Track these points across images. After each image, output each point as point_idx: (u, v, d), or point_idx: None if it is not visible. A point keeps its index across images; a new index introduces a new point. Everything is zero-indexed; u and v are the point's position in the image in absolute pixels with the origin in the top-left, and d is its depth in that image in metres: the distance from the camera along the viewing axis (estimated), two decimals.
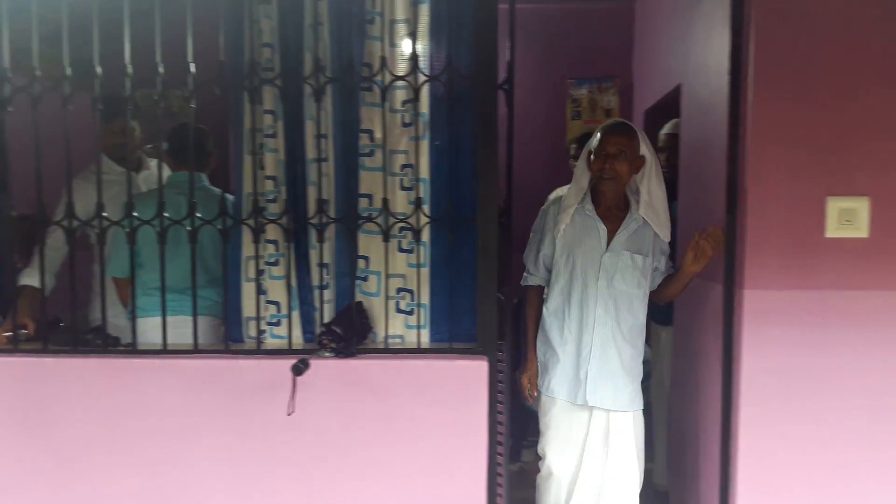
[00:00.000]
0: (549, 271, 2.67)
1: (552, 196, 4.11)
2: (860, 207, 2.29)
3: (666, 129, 3.65)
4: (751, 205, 2.31)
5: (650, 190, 2.53)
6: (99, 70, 2.38)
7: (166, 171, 2.87)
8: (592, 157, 2.55)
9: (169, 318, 2.48)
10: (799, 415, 2.34)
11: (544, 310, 2.66)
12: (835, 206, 2.29)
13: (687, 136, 3.13)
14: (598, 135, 2.55)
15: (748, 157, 2.31)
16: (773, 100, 2.29)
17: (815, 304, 2.32)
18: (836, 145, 2.28)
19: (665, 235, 2.55)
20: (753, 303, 2.33)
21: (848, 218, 2.29)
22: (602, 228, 2.56)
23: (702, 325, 2.76)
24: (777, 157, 2.29)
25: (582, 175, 2.61)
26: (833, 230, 2.30)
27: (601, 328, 2.54)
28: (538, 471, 4.03)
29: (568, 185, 4.06)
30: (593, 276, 2.54)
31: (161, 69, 2.38)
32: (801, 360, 2.33)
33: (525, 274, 2.74)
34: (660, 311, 3.58)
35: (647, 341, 3.93)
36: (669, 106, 3.44)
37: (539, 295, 2.73)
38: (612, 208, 2.58)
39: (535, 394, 2.70)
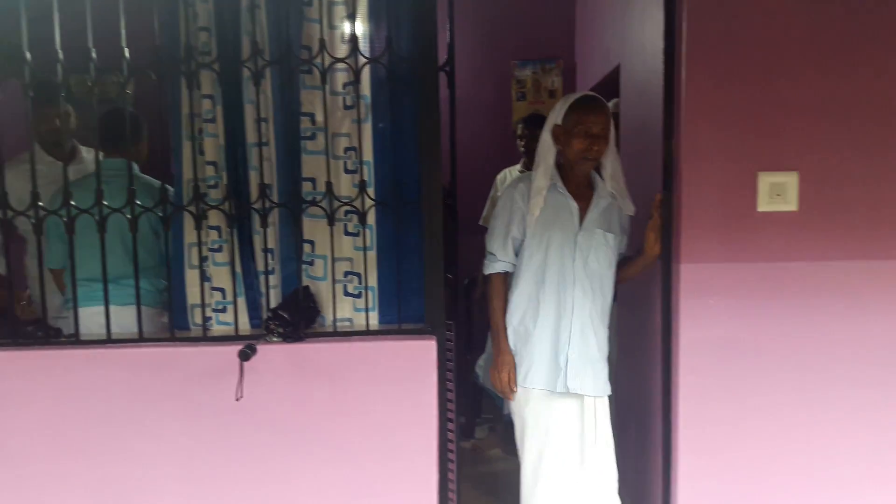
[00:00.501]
0: (516, 255, 2.54)
1: (500, 177, 4.16)
2: (790, 182, 2.37)
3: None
4: (685, 181, 2.38)
5: (612, 163, 2.47)
6: (28, 56, 2.32)
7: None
8: (573, 138, 2.40)
9: (95, 309, 2.46)
10: (735, 382, 2.43)
11: (513, 296, 2.53)
12: (766, 181, 2.37)
13: (626, 115, 3.20)
14: (573, 112, 2.41)
15: (682, 135, 2.37)
16: (705, 79, 2.35)
17: (748, 276, 2.40)
18: (766, 122, 2.36)
19: (628, 209, 2.51)
20: (690, 276, 2.40)
21: (778, 192, 2.37)
22: (574, 206, 2.46)
23: (643, 300, 2.84)
24: (710, 135, 2.36)
25: (549, 152, 2.46)
26: (764, 204, 2.38)
27: (580, 311, 2.46)
28: (491, 448, 4.12)
29: (515, 166, 4.12)
30: (569, 256, 2.45)
31: (94, 54, 2.33)
32: (736, 330, 2.42)
33: (489, 261, 2.56)
34: None
35: None
36: (610, 86, 3.50)
37: (505, 282, 2.56)
38: (581, 186, 2.50)
39: (516, 389, 2.51)
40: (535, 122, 3.93)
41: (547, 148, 2.47)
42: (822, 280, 2.40)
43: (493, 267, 2.55)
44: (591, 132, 2.38)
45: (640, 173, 2.81)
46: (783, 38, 2.34)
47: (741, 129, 2.36)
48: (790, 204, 2.37)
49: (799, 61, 2.35)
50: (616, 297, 3.40)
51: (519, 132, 3.97)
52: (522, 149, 3.96)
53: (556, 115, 2.45)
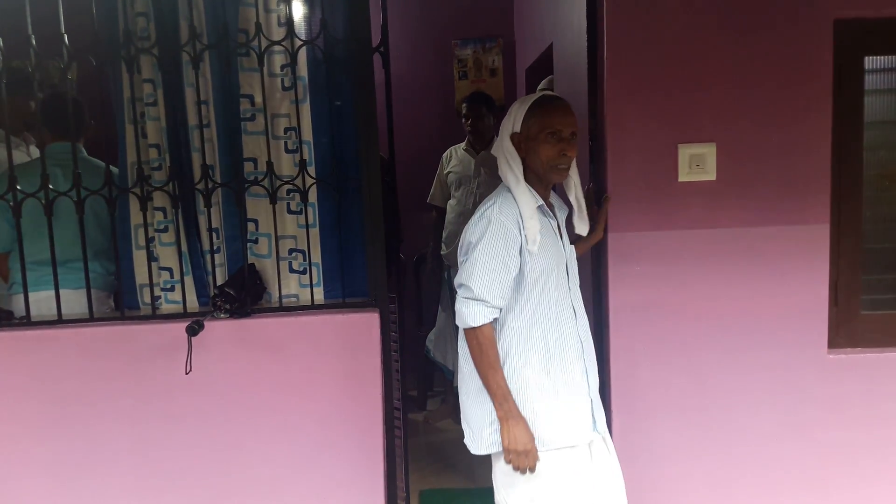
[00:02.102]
0: None
1: (445, 155, 4.24)
2: (708, 153, 2.50)
3: (541, 86, 3.83)
4: (610, 155, 2.49)
5: (575, 178, 2.20)
6: None
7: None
8: (540, 144, 2.06)
9: (43, 294, 2.52)
10: (661, 342, 2.56)
11: (515, 346, 2.07)
12: (685, 153, 2.49)
13: (559, 91, 3.31)
14: (532, 115, 2.07)
15: (607, 111, 2.48)
16: (626, 56, 2.46)
17: (671, 243, 2.53)
18: (685, 97, 2.48)
19: (583, 230, 2.26)
20: (617, 244, 2.52)
21: (697, 163, 2.50)
22: (555, 224, 2.15)
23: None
24: (632, 110, 2.47)
25: (515, 164, 2.08)
26: (685, 175, 2.50)
27: (587, 344, 2.19)
28: (443, 419, 4.25)
29: (459, 145, 4.21)
30: (564, 285, 2.14)
31: (34, 41, 2.36)
32: (662, 294, 2.55)
33: (474, 308, 2.02)
34: None
35: None
36: (546, 64, 3.60)
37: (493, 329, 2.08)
38: (545, 199, 2.16)
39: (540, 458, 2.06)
40: (479, 101, 4.02)
41: (512, 158, 2.09)
42: (740, 245, 2.54)
43: (485, 316, 2.03)
44: (561, 135, 2.06)
45: None
46: (699, 17, 2.46)
47: (661, 104, 2.48)
48: (709, 174, 2.51)
49: (714, 39, 2.47)
50: None
51: (464, 111, 4.05)
52: (469, 128, 4.05)
53: (511, 122, 2.11)
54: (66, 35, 2.37)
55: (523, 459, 2.02)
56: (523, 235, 2.03)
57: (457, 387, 4.21)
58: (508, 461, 2.04)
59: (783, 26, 2.46)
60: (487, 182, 3.99)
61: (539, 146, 2.05)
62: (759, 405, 2.60)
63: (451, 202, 4.11)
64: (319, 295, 2.62)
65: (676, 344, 2.58)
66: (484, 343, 2.03)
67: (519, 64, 4.53)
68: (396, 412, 2.69)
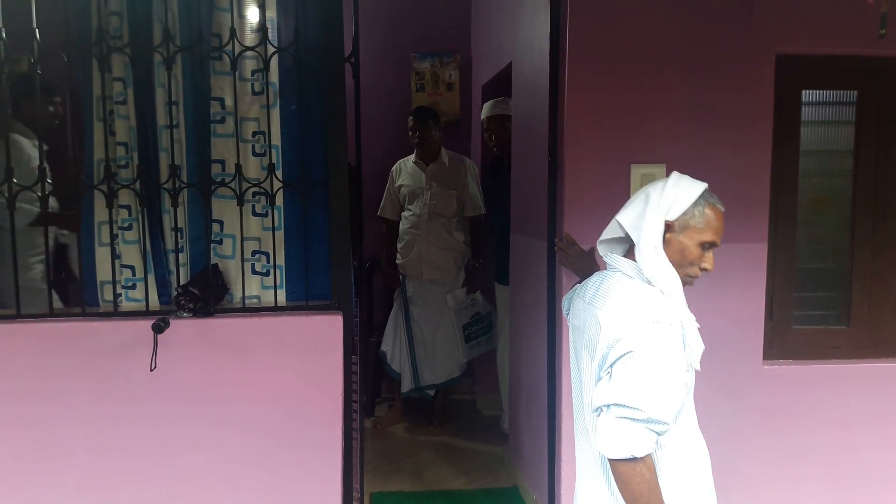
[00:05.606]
0: None
1: (394, 168, 4.30)
2: (658, 172, 2.65)
3: (485, 113, 3.98)
4: (568, 172, 2.62)
5: None
6: None
7: None
8: (693, 246, 1.74)
9: None
10: None
11: (679, 465, 1.73)
12: (637, 172, 2.64)
13: (516, 109, 3.43)
14: (700, 211, 1.74)
15: (565, 130, 2.61)
16: (586, 82, 2.59)
17: None
18: (638, 120, 2.63)
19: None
20: None
21: (648, 182, 2.65)
22: None
23: (530, 280, 3.08)
24: (589, 130, 2.61)
25: (663, 255, 1.73)
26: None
27: None
28: (392, 424, 4.30)
29: (409, 157, 4.28)
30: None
31: (3, 34, 2.35)
32: None
33: (642, 435, 1.58)
34: (501, 272, 3.91)
35: (491, 300, 4.27)
36: (504, 81, 3.72)
37: None
38: None
39: None
40: (425, 115, 4.11)
41: (660, 250, 1.71)
42: None
43: (652, 443, 1.60)
44: (713, 247, 1.77)
45: (531, 164, 3.05)
46: (653, 48, 2.62)
47: (616, 127, 2.62)
48: None
49: (668, 70, 2.63)
50: (508, 281, 3.65)
51: (411, 124, 4.13)
52: (417, 140, 4.12)
53: (666, 206, 1.74)
54: (37, 30, 2.36)
55: None
56: (686, 346, 1.69)
57: (408, 395, 4.26)
58: None
59: (730, 60, 2.65)
60: (440, 193, 4.09)
61: (689, 248, 1.73)
62: (699, 411, 2.74)
63: (406, 213, 4.18)
64: (282, 297, 2.65)
65: None
66: (652, 479, 1.57)
67: (475, 80, 4.65)
68: (354, 414, 2.74)
